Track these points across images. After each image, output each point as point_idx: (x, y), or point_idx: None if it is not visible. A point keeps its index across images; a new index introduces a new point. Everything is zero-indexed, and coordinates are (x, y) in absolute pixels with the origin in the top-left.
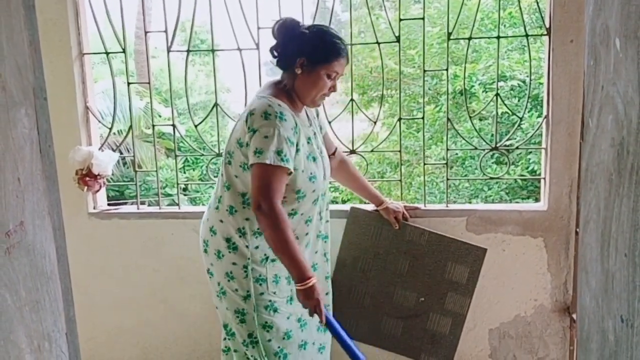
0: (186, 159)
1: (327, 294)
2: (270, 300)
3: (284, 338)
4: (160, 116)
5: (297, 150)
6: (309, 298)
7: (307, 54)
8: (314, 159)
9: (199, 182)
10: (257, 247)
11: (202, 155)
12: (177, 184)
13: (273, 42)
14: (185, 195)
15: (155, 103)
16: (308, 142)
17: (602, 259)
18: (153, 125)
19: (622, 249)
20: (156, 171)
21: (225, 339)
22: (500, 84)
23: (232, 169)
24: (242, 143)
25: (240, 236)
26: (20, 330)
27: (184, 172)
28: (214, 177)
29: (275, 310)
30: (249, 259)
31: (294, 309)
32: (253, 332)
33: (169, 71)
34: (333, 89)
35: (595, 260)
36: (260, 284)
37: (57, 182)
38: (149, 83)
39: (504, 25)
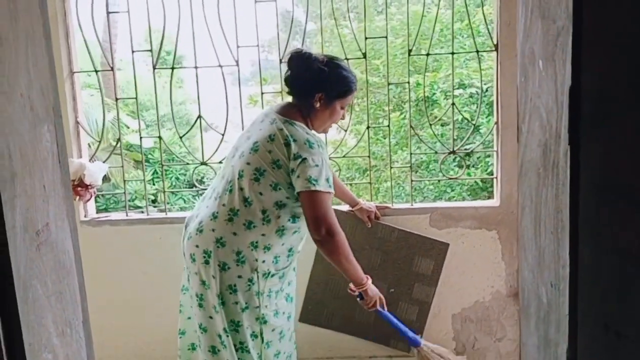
0: (155, 170)
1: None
2: (263, 314)
3: (265, 347)
4: (128, 127)
5: None
6: (371, 296)
7: (325, 90)
8: None
9: (171, 190)
10: (264, 261)
11: (187, 164)
12: (165, 192)
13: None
14: (154, 207)
15: (124, 116)
16: None
17: (535, 237)
18: (143, 137)
19: (550, 228)
20: (146, 181)
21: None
22: (460, 91)
23: (260, 187)
24: (281, 165)
25: (252, 249)
26: (49, 317)
27: (154, 184)
28: (199, 185)
29: (264, 322)
30: (256, 271)
31: (278, 322)
32: (244, 341)
33: (155, 89)
34: (343, 117)
35: (531, 239)
36: (258, 297)
37: (70, 190)
38: (135, 98)
39: (462, 36)
